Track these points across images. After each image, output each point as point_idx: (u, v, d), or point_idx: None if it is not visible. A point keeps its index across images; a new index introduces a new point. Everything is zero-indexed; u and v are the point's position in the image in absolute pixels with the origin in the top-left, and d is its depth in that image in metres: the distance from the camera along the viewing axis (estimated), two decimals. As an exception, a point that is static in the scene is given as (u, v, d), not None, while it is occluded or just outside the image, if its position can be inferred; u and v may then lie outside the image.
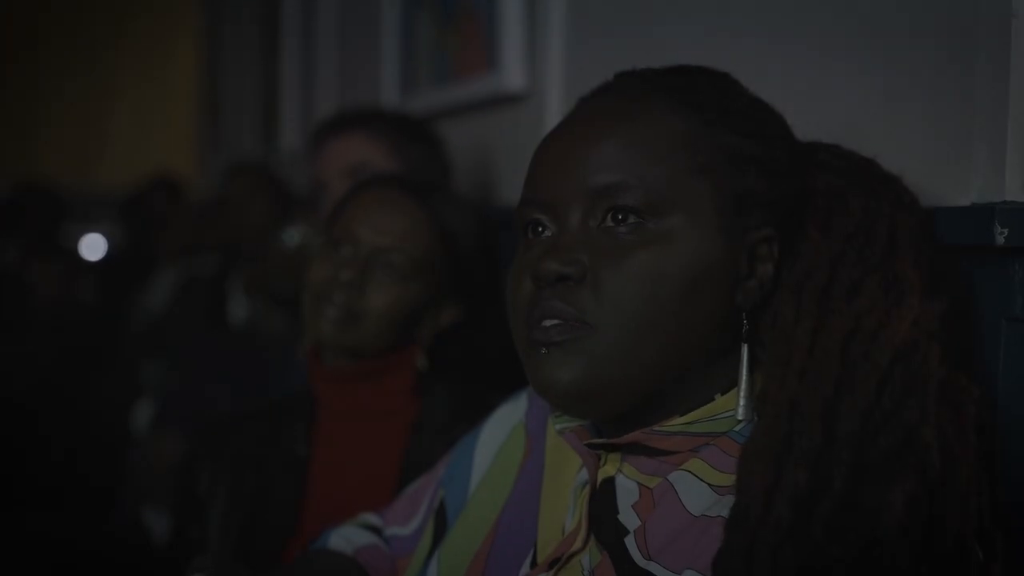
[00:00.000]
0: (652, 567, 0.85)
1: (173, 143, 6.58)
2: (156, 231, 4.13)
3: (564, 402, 0.90)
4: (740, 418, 0.88)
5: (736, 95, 0.94)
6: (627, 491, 0.91)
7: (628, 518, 0.89)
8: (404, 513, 1.17)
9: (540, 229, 0.92)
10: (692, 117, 0.89)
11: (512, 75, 1.97)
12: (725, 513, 0.82)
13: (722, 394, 0.90)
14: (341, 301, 1.38)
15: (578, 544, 0.91)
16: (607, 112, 0.92)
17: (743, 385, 0.88)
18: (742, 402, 0.88)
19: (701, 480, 0.87)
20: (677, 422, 0.90)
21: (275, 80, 4.03)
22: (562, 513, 0.96)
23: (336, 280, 1.38)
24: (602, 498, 0.92)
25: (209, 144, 5.65)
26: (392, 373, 1.43)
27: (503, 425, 1.10)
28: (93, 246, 5.17)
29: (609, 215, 0.88)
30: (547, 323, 0.87)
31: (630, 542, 0.87)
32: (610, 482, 0.92)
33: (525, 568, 0.95)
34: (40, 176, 4.97)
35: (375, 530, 1.19)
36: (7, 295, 3.79)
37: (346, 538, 1.17)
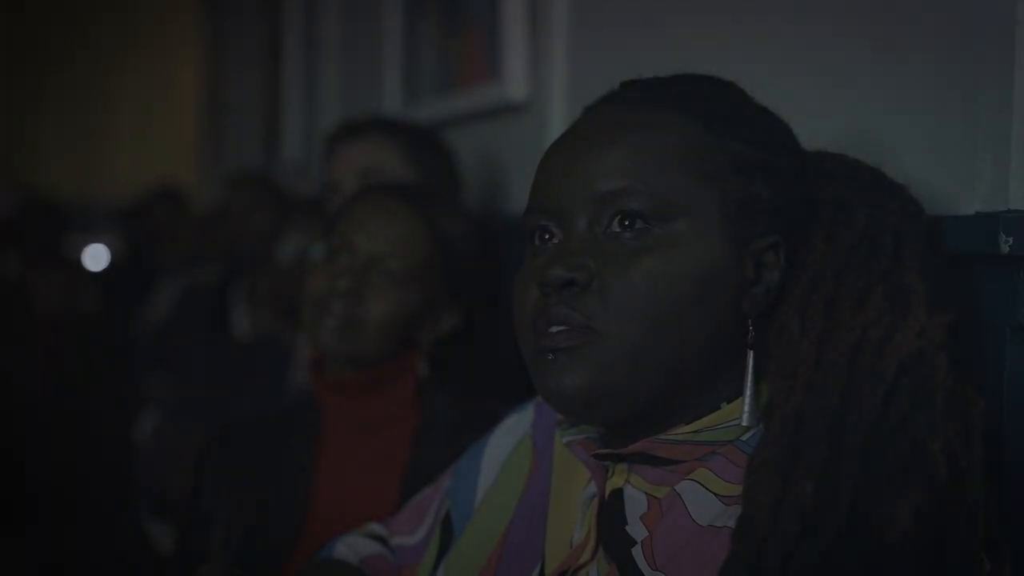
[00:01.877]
0: None
1: (175, 153, 6.57)
2: (158, 241, 4.13)
3: (571, 408, 0.90)
4: (745, 424, 0.88)
5: (742, 103, 0.94)
6: (635, 502, 0.91)
7: (636, 529, 0.89)
8: (410, 523, 1.17)
9: (547, 236, 0.92)
10: (698, 125, 0.90)
11: (515, 84, 1.97)
12: (732, 524, 0.82)
13: (728, 403, 0.90)
14: (340, 310, 1.38)
15: (586, 556, 0.91)
16: (613, 120, 0.92)
17: (748, 392, 0.88)
18: (747, 408, 0.88)
19: (708, 490, 0.87)
20: (683, 431, 0.90)
21: (277, 90, 4.03)
22: (570, 525, 0.96)
23: (334, 289, 1.38)
24: (610, 510, 0.92)
25: (211, 154, 5.65)
26: (393, 380, 1.42)
27: (509, 437, 1.10)
28: (96, 257, 5.16)
29: (615, 221, 0.88)
30: (554, 329, 0.87)
31: (637, 553, 0.87)
32: (618, 493, 0.92)
33: (533, 579, 0.95)
34: (42, 186, 4.97)
35: (380, 540, 1.19)
36: (9, 305, 3.79)
37: (351, 547, 1.17)
